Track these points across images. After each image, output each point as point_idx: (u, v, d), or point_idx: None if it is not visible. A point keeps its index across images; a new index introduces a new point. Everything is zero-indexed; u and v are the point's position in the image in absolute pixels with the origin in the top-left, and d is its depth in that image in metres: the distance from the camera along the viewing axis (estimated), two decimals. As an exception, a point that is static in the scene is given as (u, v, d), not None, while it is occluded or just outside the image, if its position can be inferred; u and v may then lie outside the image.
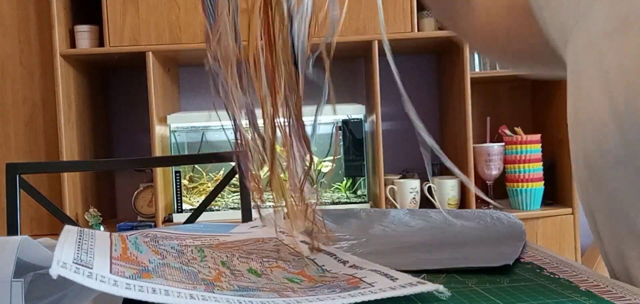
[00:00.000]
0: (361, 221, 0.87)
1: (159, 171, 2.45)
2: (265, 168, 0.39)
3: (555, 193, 2.73)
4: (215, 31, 0.40)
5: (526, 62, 0.78)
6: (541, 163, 2.58)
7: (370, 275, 0.54)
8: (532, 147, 2.56)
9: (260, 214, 0.43)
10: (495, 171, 2.62)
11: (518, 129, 2.61)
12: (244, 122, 0.41)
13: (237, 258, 0.58)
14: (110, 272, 0.44)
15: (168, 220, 2.47)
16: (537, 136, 2.58)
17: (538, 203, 2.59)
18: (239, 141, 0.40)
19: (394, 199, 2.59)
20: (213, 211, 2.45)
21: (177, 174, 2.50)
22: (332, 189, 2.71)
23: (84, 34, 2.48)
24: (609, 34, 0.52)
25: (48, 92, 2.49)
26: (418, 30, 2.52)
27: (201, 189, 2.62)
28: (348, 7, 2.56)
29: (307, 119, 0.53)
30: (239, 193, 1.53)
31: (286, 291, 0.50)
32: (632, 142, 0.49)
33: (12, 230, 1.43)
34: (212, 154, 1.60)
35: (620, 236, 0.54)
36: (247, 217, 1.48)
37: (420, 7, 2.53)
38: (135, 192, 2.63)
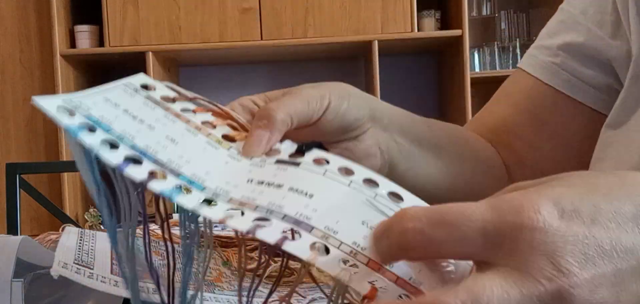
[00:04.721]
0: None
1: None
2: None
3: (555, 193, 2.73)
4: None
5: None
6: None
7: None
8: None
9: None
10: (495, 171, 2.62)
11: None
12: None
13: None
14: (111, 272, 0.44)
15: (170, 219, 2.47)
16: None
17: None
18: None
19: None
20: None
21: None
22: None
23: (84, 34, 2.48)
24: None
25: (48, 92, 2.49)
26: (418, 30, 2.52)
27: (201, 189, 2.62)
28: (348, 7, 2.57)
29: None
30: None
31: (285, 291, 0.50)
32: None
33: (12, 230, 1.43)
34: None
35: None
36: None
37: (420, 7, 2.53)
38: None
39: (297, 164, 0.36)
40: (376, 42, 2.46)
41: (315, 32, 2.48)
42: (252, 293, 0.35)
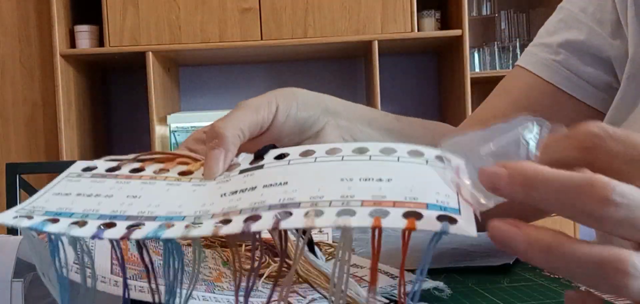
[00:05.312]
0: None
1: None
2: None
3: (555, 193, 2.73)
4: None
5: None
6: (541, 163, 2.57)
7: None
8: (532, 147, 2.56)
9: None
10: (495, 171, 2.61)
11: (518, 129, 2.60)
12: None
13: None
14: (111, 273, 0.44)
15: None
16: (537, 136, 2.58)
17: (538, 203, 2.58)
18: None
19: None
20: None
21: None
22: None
23: (84, 34, 2.48)
24: None
25: (48, 92, 2.50)
26: (418, 30, 2.52)
27: (201, 189, 2.62)
28: (348, 7, 2.57)
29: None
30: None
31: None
32: None
33: (12, 230, 1.43)
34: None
35: None
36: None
37: (420, 7, 2.53)
38: (135, 192, 2.63)
39: (261, 167, 0.37)
40: (376, 42, 2.46)
41: (315, 32, 2.48)
42: (249, 291, 0.35)
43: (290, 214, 0.30)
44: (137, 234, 0.32)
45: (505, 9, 2.85)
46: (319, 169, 0.35)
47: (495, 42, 2.79)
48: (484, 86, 2.86)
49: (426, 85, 2.93)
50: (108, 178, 0.39)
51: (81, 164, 0.41)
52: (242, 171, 0.38)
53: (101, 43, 2.48)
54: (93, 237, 0.32)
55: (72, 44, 2.51)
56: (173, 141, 2.59)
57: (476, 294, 0.50)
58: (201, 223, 0.32)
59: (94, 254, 0.47)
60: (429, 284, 0.48)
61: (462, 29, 2.50)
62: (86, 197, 0.36)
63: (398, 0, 2.49)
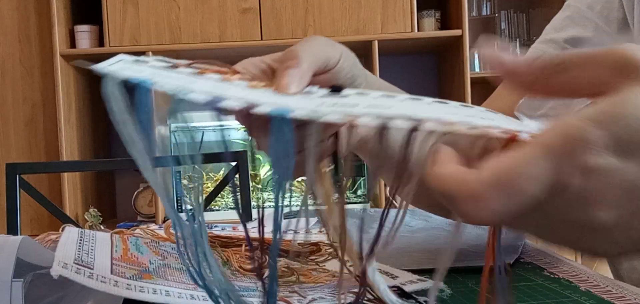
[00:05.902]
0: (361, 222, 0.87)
1: (158, 171, 2.44)
2: None
3: (555, 193, 2.73)
4: None
5: None
6: (541, 163, 2.57)
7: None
8: (532, 147, 2.56)
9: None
10: (495, 171, 2.61)
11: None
12: None
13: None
14: (111, 272, 0.44)
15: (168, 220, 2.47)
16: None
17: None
18: None
19: (394, 200, 2.59)
20: (213, 210, 2.45)
21: (177, 174, 2.50)
22: (332, 189, 2.71)
23: (84, 34, 2.48)
24: None
25: (48, 92, 2.49)
26: (418, 30, 2.52)
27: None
28: (348, 7, 2.57)
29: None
30: (239, 193, 1.54)
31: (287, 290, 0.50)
32: None
33: (12, 230, 1.43)
34: (212, 153, 1.61)
35: None
36: (246, 216, 1.48)
37: (420, 7, 2.53)
38: (135, 192, 2.63)
39: (345, 96, 0.34)
40: (376, 42, 2.46)
41: (315, 32, 2.48)
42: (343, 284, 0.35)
43: (421, 120, 0.27)
44: (261, 109, 0.27)
45: (505, 9, 2.85)
46: (414, 104, 0.31)
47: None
48: (484, 86, 2.86)
49: (426, 85, 2.93)
50: (172, 71, 0.33)
51: (128, 57, 0.35)
52: (323, 96, 0.34)
53: (101, 43, 2.48)
54: (210, 104, 0.27)
55: (72, 44, 2.51)
56: (173, 140, 2.59)
57: (476, 294, 0.50)
58: (327, 113, 0.28)
59: (95, 252, 0.47)
60: (429, 284, 0.48)
61: (462, 29, 2.50)
62: (167, 78, 0.30)
63: (398, 0, 2.49)
